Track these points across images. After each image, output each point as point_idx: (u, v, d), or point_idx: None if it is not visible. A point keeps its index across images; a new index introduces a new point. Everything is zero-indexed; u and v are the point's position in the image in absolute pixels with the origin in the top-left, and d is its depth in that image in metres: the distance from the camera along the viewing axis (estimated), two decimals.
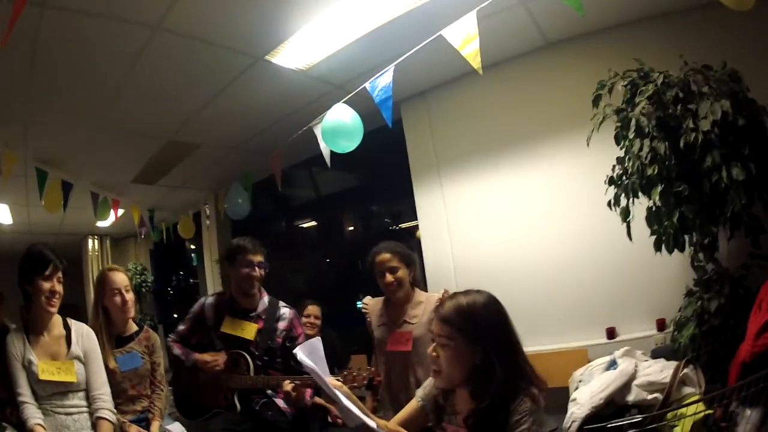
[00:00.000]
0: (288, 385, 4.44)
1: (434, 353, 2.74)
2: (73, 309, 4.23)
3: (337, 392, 2.81)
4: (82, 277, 14.07)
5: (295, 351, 2.93)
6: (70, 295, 4.43)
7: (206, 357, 4.84)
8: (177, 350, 5.02)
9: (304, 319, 6.30)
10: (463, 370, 2.66)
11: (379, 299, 4.82)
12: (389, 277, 4.51)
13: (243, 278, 4.89)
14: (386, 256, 4.58)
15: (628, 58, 4.57)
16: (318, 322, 6.46)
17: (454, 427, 2.81)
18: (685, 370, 3.89)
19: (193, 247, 13.65)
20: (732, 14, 3.76)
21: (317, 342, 3.09)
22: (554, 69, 6.05)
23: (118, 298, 4.60)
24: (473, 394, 2.64)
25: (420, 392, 3.08)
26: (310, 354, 2.90)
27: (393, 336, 4.51)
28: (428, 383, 3.06)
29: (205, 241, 11.39)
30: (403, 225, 9.04)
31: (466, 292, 2.81)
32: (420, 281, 4.97)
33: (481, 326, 2.66)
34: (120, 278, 4.68)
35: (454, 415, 2.83)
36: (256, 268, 4.90)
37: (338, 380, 3.66)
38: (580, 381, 4.35)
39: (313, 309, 6.50)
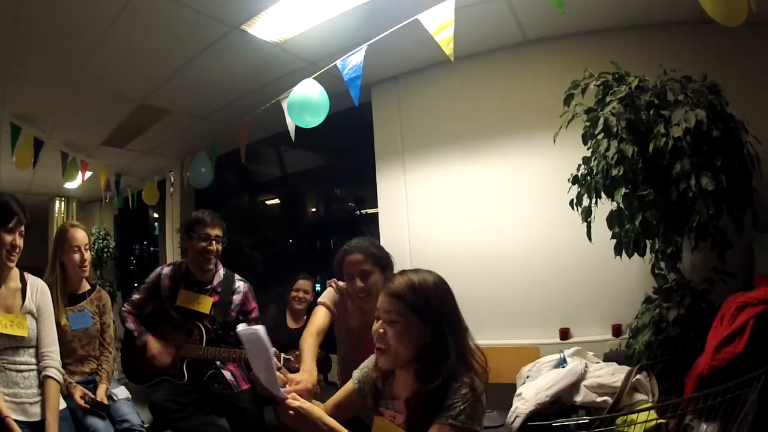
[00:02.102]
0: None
1: (381, 330, 2.66)
2: (36, 271, 4.17)
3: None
4: (47, 238, 13.95)
5: (238, 330, 2.74)
6: (34, 256, 4.37)
7: (155, 350, 4.81)
8: (130, 324, 4.97)
9: (293, 293, 6.33)
10: (411, 348, 2.61)
11: (334, 292, 4.36)
12: (359, 283, 4.05)
13: (199, 251, 4.83)
14: (357, 257, 4.08)
15: (605, 63, 4.54)
16: (308, 296, 6.39)
17: (390, 411, 2.78)
18: (638, 376, 3.84)
19: (156, 215, 13.57)
20: (717, 31, 3.79)
21: (260, 328, 2.73)
22: (530, 67, 6.03)
23: (77, 255, 4.60)
24: (419, 375, 2.60)
25: (356, 374, 3.03)
26: (252, 338, 2.78)
27: (369, 344, 3.44)
28: (365, 365, 3.04)
29: (168, 209, 11.38)
30: (367, 211, 8.93)
31: (416, 271, 2.77)
32: None
33: (432, 304, 2.63)
34: (81, 235, 4.66)
35: (392, 400, 2.79)
36: (213, 242, 4.83)
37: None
38: (527, 377, 4.28)
39: (303, 283, 6.42)
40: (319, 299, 4.27)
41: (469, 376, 2.53)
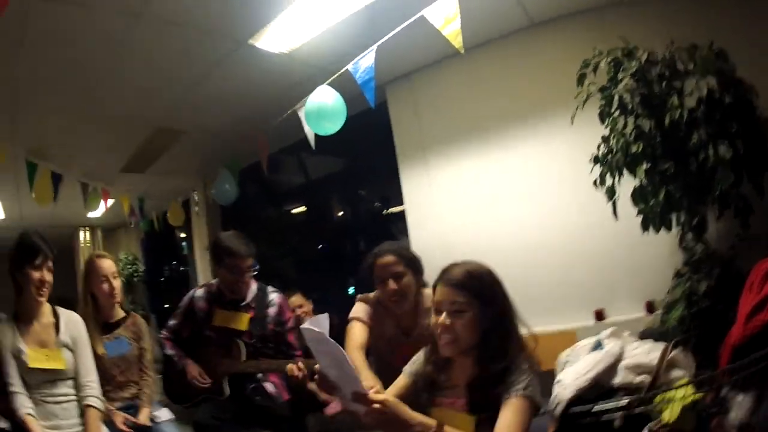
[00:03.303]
0: (294, 368, 4.31)
1: (447, 321, 2.73)
2: (67, 302, 4.22)
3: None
4: (75, 269, 14.01)
5: (302, 327, 2.63)
6: (63, 288, 4.41)
7: (196, 372, 4.81)
8: (170, 350, 5.01)
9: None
10: (476, 336, 2.73)
11: (365, 305, 4.31)
12: (392, 285, 4.03)
13: (231, 283, 4.81)
14: (390, 258, 4.08)
15: (614, 39, 4.52)
16: (304, 309, 6.30)
17: (449, 399, 2.83)
18: (674, 352, 3.82)
19: (183, 235, 13.61)
20: None
21: (323, 318, 2.66)
22: (540, 49, 5.98)
23: (105, 285, 4.66)
24: (482, 359, 2.73)
25: (409, 368, 3.06)
26: (314, 336, 2.71)
27: (405, 351, 3.49)
28: (416, 359, 3.07)
29: (194, 228, 11.36)
30: (394, 210, 8.83)
31: (466, 262, 2.91)
32: (427, 284, 4.22)
33: (492, 290, 2.82)
34: (107, 265, 4.71)
35: (449, 389, 2.86)
36: (245, 275, 4.79)
37: None
38: (566, 362, 4.25)
39: (294, 300, 6.29)
40: (351, 315, 4.23)
41: (526, 355, 2.71)
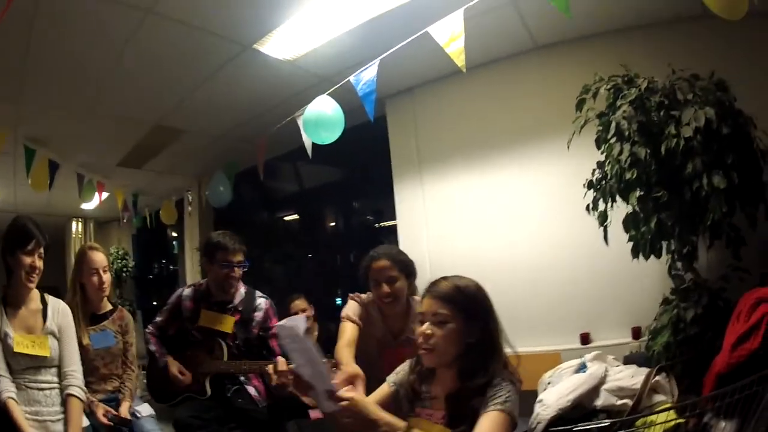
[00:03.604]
0: (278, 365, 4.27)
1: (428, 331, 2.75)
2: (54, 291, 4.21)
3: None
4: (65, 259, 13.99)
5: (277, 324, 2.74)
6: (52, 277, 4.42)
7: (176, 371, 4.79)
8: (153, 346, 4.98)
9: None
10: (457, 348, 2.73)
11: (357, 305, 4.32)
12: (386, 288, 4.10)
13: (222, 278, 4.79)
14: (384, 263, 4.14)
15: (615, 65, 4.55)
16: (308, 312, 6.26)
17: (428, 410, 2.84)
18: (657, 378, 3.83)
19: (174, 234, 13.61)
20: (722, 26, 3.76)
21: (300, 319, 2.71)
22: (542, 72, 6.02)
23: (95, 278, 4.66)
24: (463, 372, 2.73)
25: (392, 378, 3.07)
26: (290, 333, 2.75)
27: (391, 354, 4.04)
28: (401, 369, 3.08)
29: (186, 228, 11.34)
30: (386, 223, 8.84)
31: (457, 276, 2.92)
32: (416, 288, 4.44)
33: (478, 306, 2.81)
34: (99, 258, 4.72)
35: (429, 400, 2.88)
36: (236, 269, 4.79)
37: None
38: (548, 383, 4.27)
39: (298, 304, 6.31)
40: (343, 313, 4.24)
41: (509, 372, 2.72)
